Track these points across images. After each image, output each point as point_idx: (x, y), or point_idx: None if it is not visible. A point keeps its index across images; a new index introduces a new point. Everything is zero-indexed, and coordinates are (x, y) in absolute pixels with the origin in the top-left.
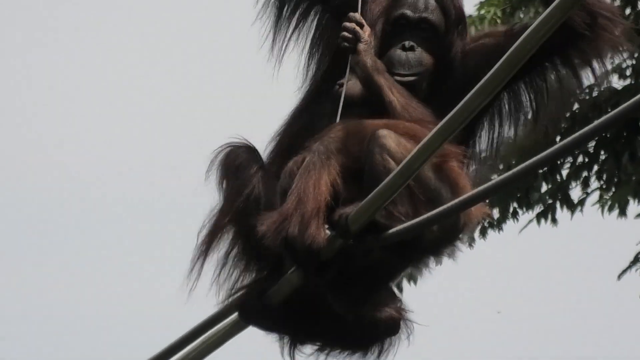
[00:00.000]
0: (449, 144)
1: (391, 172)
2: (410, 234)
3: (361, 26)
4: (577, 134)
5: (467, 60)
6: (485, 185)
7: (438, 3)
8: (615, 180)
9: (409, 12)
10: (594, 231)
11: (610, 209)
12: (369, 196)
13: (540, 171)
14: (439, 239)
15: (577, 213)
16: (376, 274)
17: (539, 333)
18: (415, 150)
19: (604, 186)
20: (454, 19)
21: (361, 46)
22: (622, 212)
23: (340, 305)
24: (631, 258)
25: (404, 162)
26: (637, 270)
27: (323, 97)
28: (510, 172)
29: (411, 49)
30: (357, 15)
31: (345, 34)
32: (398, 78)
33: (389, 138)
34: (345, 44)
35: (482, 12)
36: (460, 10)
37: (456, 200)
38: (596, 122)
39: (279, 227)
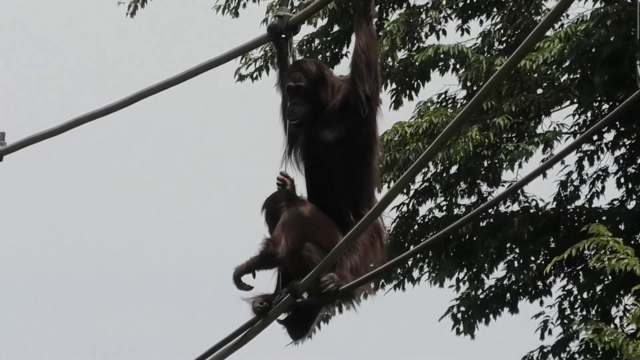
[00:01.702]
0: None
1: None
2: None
3: (286, 176)
4: None
5: (336, 94)
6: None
7: (303, 74)
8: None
9: (291, 83)
10: None
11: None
12: (308, 275)
13: None
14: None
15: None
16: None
17: None
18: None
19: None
20: (315, 79)
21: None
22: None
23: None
24: None
25: (325, 257)
26: None
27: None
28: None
29: (294, 104)
30: (283, 171)
31: (278, 181)
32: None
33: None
34: (279, 186)
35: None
36: (318, 73)
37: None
38: None
39: None
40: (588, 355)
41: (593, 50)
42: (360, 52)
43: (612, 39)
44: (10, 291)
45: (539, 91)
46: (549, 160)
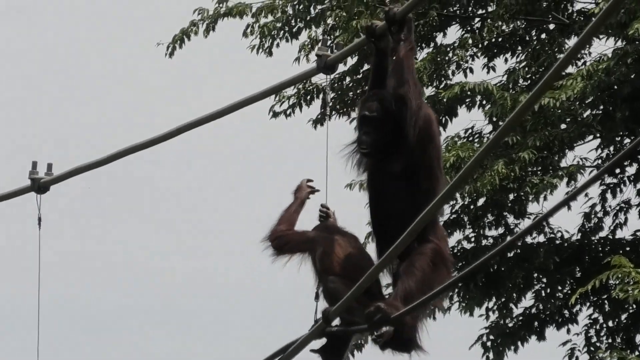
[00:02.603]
0: None
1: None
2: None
3: (327, 208)
4: None
5: (417, 120)
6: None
7: (379, 104)
8: None
9: (366, 113)
10: None
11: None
12: (339, 303)
13: None
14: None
15: None
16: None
17: None
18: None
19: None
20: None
21: (330, 220)
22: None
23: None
24: None
25: (354, 287)
26: None
27: None
28: None
29: (366, 133)
30: (325, 204)
31: (320, 213)
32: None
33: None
34: (321, 218)
35: None
36: (398, 100)
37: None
38: None
39: None
40: None
41: (614, 87)
42: (392, 69)
43: (632, 76)
44: (55, 316)
45: (563, 126)
46: (573, 192)
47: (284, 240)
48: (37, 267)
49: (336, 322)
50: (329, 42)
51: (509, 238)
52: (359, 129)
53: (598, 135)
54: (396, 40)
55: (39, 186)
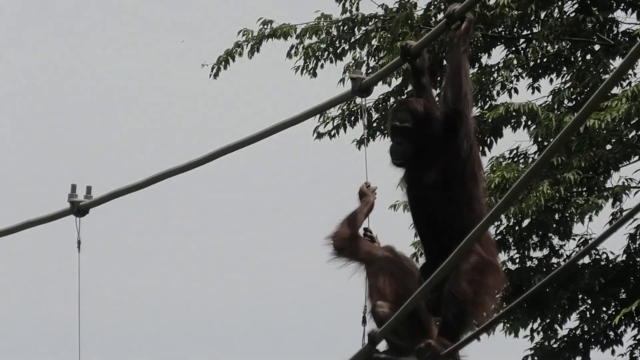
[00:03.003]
0: None
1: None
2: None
3: (370, 232)
4: None
5: (437, 132)
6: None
7: (410, 114)
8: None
9: (397, 123)
10: None
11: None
12: (384, 326)
13: None
14: None
15: None
16: None
17: None
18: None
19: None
20: (421, 120)
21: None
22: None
23: None
24: None
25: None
26: None
27: None
28: None
29: (398, 143)
30: (368, 229)
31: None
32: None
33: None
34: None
35: None
36: (425, 113)
37: None
38: None
39: None
40: None
41: None
42: (449, 102)
43: None
44: (94, 341)
45: (608, 147)
46: (621, 217)
47: (346, 243)
48: (77, 290)
49: (383, 345)
50: (372, 63)
51: (554, 259)
52: (391, 139)
53: None
54: (453, 40)
55: (79, 209)
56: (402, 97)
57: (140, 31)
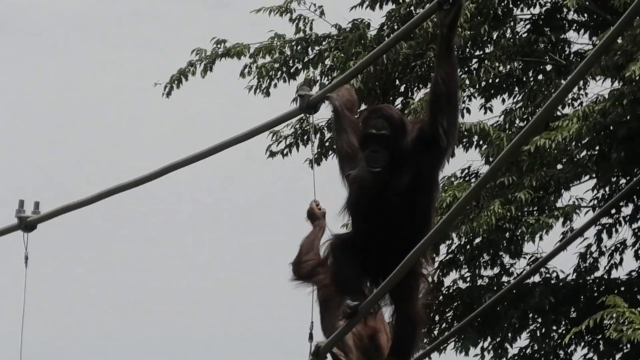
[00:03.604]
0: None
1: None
2: None
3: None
4: None
5: (411, 136)
6: None
7: (386, 121)
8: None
9: (373, 131)
10: None
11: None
12: (330, 338)
13: None
14: None
15: None
16: None
17: None
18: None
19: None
20: (397, 126)
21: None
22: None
23: None
24: None
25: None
26: None
27: None
28: None
29: (374, 151)
30: (316, 200)
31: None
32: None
33: None
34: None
35: None
36: (399, 119)
37: None
38: None
39: None
40: None
41: (610, 128)
42: (441, 83)
43: (628, 117)
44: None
45: (559, 167)
46: (570, 235)
47: (308, 271)
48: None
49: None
50: (326, 82)
51: (505, 278)
52: (366, 147)
53: (594, 175)
54: (443, 29)
55: (26, 224)
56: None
57: (95, 47)
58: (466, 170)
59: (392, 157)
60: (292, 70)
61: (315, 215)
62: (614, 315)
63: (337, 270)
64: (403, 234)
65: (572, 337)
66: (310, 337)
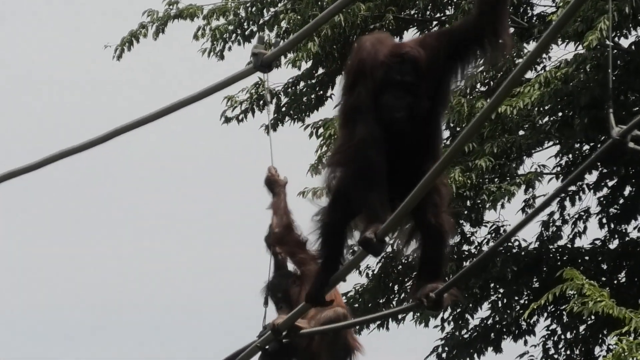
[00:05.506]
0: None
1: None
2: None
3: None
4: None
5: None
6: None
7: (412, 67)
8: None
9: (398, 77)
10: None
11: None
12: (290, 314)
13: None
14: None
15: None
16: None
17: None
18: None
19: None
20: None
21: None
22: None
23: None
24: None
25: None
26: None
27: None
28: None
29: (399, 97)
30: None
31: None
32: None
33: None
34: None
35: None
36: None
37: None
38: None
39: None
40: None
41: (572, 95)
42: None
43: (590, 84)
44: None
45: (521, 133)
46: (539, 205)
47: (284, 237)
48: None
49: None
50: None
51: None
52: (386, 91)
53: (557, 142)
54: None
55: None
56: (312, 81)
57: (44, 9)
58: None
59: (415, 98)
60: (246, 33)
61: (276, 182)
62: (574, 288)
63: (360, 196)
64: (421, 152)
65: (535, 308)
66: (266, 302)
